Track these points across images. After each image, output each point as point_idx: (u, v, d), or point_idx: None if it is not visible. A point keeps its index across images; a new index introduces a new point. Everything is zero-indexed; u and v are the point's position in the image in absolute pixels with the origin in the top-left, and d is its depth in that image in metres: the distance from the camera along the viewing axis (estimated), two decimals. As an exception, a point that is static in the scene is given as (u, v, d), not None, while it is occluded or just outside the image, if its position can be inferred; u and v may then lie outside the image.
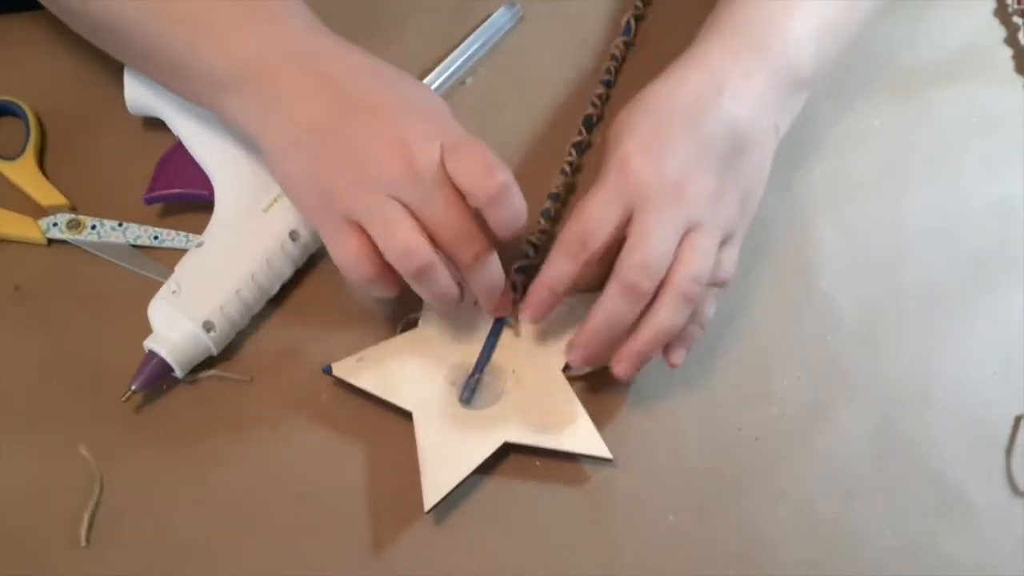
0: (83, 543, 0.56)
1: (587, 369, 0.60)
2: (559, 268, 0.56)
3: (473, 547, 0.57)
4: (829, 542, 0.57)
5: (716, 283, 0.58)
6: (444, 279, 0.55)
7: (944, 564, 0.57)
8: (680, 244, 0.55)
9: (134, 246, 0.64)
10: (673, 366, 0.57)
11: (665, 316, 0.55)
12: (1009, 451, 0.59)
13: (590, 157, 0.68)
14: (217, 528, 0.57)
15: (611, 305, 0.55)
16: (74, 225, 0.63)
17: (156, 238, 0.63)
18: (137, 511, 0.57)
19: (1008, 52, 0.73)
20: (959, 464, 0.59)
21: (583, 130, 0.68)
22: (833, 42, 0.61)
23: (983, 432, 0.60)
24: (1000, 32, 0.74)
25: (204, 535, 0.57)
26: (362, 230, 0.54)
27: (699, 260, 0.55)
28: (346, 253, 0.54)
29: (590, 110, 0.69)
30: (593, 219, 0.55)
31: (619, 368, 0.56)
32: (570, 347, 0.57)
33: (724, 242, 0.57)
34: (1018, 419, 0.60)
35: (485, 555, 0.57)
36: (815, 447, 0.59)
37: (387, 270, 0.54)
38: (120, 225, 0.63)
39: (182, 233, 0.63)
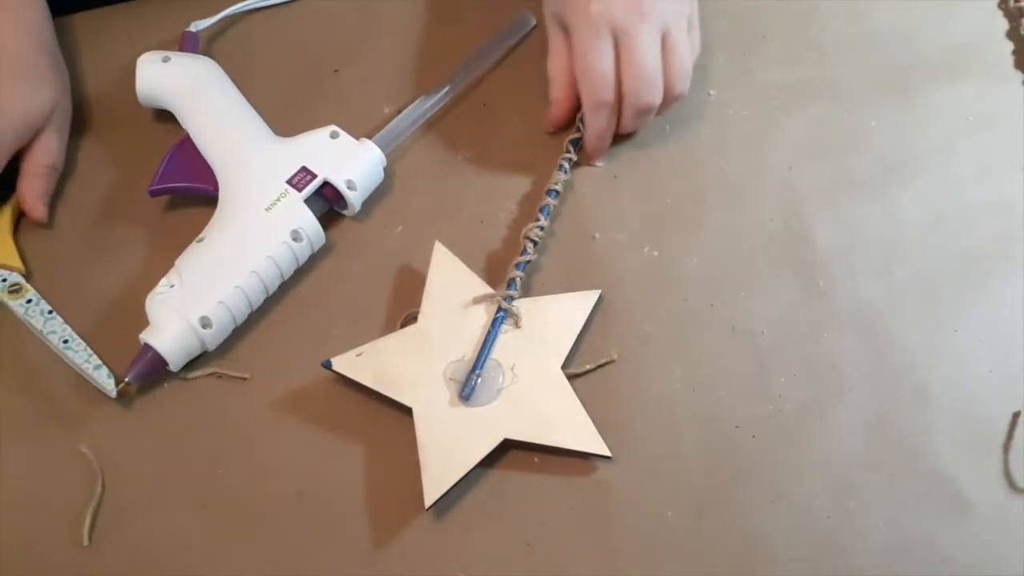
0: (85, 542, 0.57)
1: (586, 367, 0.60)
2: (598, 125, 0.66)
3: (471, 543, 0.57)
4: (826, 539, 0.57)
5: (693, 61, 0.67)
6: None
7: (941, 561, 0.57)
8: (663, 48, 0.64)
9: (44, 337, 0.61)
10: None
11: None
12: (1007, 448, 0.59)
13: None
14: (218, 526, 0.57)
15: (628, 122, 0.66)
16: (15, 290, 0.63)
17: (65, 342, 0.61)
18: (138, 510, 0.58)
19: (1008, 47, 0.73)
20: (956, 461, 0.59)
21: (580, 126, 0.68)
22: None
23: (980, 429, 0.60)
24: (1001, 26, 0.74)
25: (205, 533, 0.57)
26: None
27: (682, 56, 0.65)
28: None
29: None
30: (600, 74, 0.64)
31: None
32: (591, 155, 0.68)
33: (690, 27, 0.66)
34: (1015, 416, 0.60)
35: (483, 551, 0.57)
36: (812, 445, 0.59)
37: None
38: (50, 312, 0.62)
39: (90, 352, 0.61)
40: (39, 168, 0.64)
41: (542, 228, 0.65)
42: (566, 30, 0.66)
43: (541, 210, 0.65)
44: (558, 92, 0.67)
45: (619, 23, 0.63)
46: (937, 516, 0.58)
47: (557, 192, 0.66)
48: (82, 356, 0.60)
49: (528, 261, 0.63)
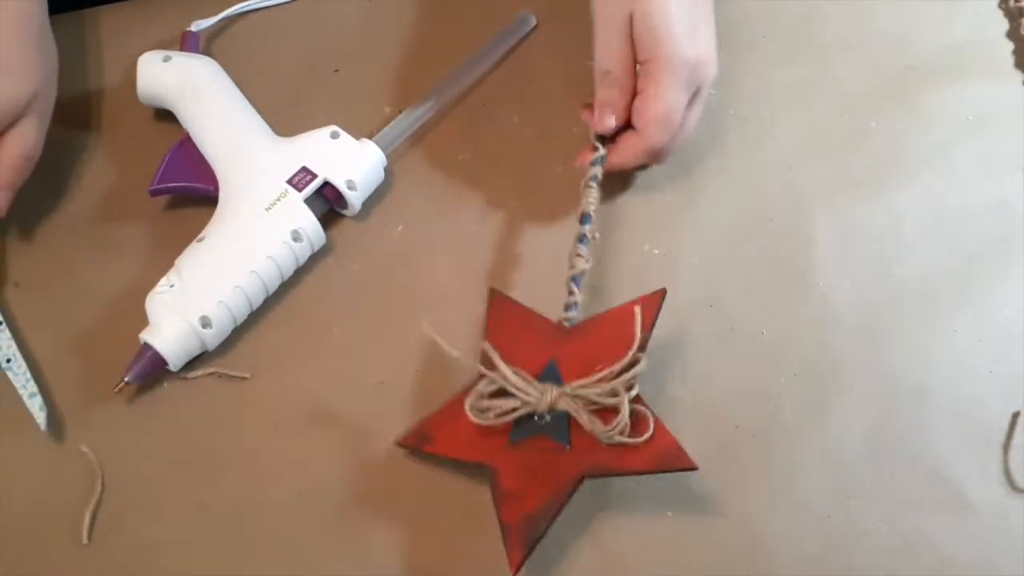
0: (85, 541, 0.57)
1: None
2: (640, 161, 0.64)
3: (467, 543, 0.57)
4: (826, 539, 0.57)
5: None
6: None
7: (942, 561, 0.57)
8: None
9: None
10: None
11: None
12: (1006, 447, 0.60)
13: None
14: (218, 526, 0.57)
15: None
16: None
17: (8, 361, 0.60)
18: (138, 509, 0.58)
19: (1008, 47, 0.73)
20: (956, 461, 0.59)
21: (597, 146, 0.65)
22: None
23: (980, 429, 0.60)
24: (1001, 26, 0.74)
25: (204, 532, 0.57)
26: None
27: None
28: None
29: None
30: (676, 123, 0.62)
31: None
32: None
33: None
34: (1015, 416, 0.60)
35: (481, 551, 0.57)
36: (812, 445, 0.59)
37: None
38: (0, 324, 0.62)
39: (29, 377, 0.60)
40: (10, 159, 0.62)
41: (587, 261, 0.61)
42: (633, 54, 0.62)
43: (580, 240, 0.62)
44: (619, 103, 0.63)
45: (702, 77, 0.62)
46: (937, 516, 0.58)
47: (591, 217, 0.62)
48: (20, 380, 0.60)
49: (576, 303, 0.60)
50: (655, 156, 0.64)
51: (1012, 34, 0.73)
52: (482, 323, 0.62)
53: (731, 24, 0.74)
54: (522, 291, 0.63)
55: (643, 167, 0.67)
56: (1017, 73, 0.72)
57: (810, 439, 0.60)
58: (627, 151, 0.64)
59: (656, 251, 0.65)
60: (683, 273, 0.65)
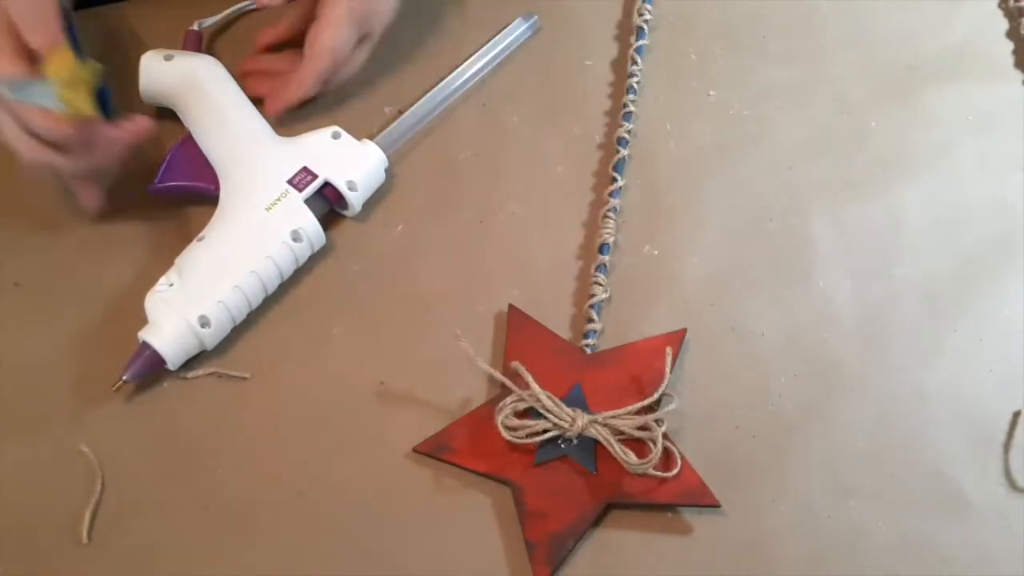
0: (85, 540, 0.57)
1: None
2: (310, 85, 0.67)
3: (467, 543, 0.57)
4: (827, 539, 0.57)
5: None
6: None
7: (942, 561, 0.57)
8: None
9: None
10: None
11: None
12: (1007, 447, 0.60)
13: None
14: (217, 525, 0.57)
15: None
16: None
17: None
18: (138, 509, 0.57)
19: (1008, 47, 0.73)
20: (957, 461, 0.59)
21: (615, 176, 0.67)
22: None
23: (980, 429, 0.60)
24: (1001, 26, 0.74)
25: (204, 532, 0.57)
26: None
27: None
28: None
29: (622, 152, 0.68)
30: (341, 50, 0.66)
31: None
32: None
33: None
34: (1016, 415, 0.60)
35: (476, 545, 0.57)
36: (812, 445, 0.59)
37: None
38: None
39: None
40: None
41: (606, 289, 0.63)
42: None
43: (598, 269, 0.64)
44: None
45: (373, 25, 0.68)
46: (937, 516, 0.58)
47: (609, 247, 0.64)
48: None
49: (595, 330, 0.62)
50: (321, 84, 0.68)
51: (1012, 34, 0.73)
52: (483, 324, 0.62)
53: (731, 24, 0.74)
54: (522, 292, 0.63)
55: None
56: (1017, 73, 0.72)
57: (810, 439, 0.60)
58: (303, 78, 0.67)
59: (656, 251, 0.65)
60: (683, 273, 0.65)
